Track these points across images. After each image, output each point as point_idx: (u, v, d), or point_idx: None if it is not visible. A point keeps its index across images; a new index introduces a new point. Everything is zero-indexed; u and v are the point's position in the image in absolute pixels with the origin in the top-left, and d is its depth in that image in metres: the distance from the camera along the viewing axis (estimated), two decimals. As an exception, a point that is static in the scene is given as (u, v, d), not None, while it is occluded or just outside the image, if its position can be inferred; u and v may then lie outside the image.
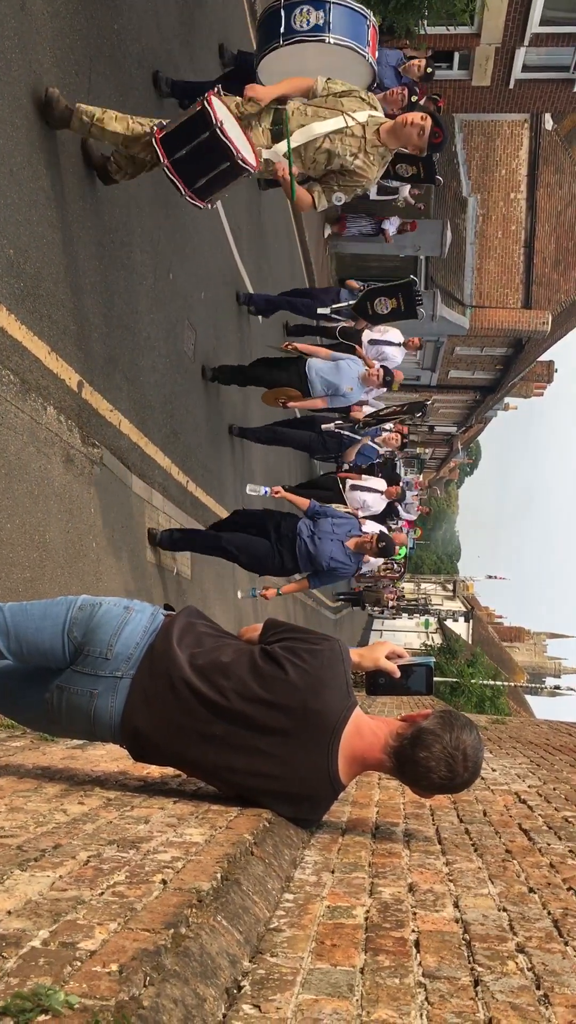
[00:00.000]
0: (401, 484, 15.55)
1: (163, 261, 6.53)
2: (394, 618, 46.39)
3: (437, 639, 41.63)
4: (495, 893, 2.09)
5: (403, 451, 13.99)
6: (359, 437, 11.45)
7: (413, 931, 1.80)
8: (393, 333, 11.25)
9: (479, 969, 1.60)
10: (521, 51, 15.13)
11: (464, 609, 52.78)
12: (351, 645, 2.78)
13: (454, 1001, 1.46)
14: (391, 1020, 1.38)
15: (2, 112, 4.01)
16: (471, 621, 49.68)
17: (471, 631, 47.70)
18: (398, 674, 2.75)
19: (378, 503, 12.28)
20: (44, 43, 4.43)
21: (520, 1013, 1.42)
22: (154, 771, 3.12)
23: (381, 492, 12.43)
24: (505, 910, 1.96)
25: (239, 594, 7.71)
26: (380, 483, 12.68)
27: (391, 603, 36.31)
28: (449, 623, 47.81)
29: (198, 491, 7.75)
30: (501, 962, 1.64)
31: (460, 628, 47.36)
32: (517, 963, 1.64)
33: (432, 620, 47.97)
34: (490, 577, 75.69)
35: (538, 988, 1.53)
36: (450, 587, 63.49)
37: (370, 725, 2.51)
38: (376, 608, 32.49)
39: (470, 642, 42.80)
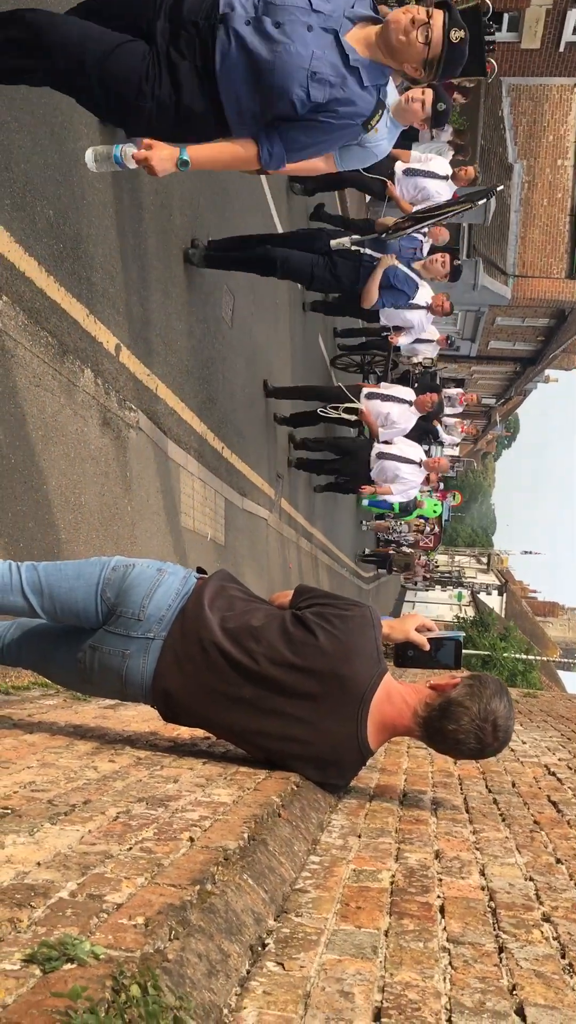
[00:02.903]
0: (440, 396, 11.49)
1: (202, 225, 6.48)
2: (427, 590, 46.30)
3: (470, 612, 41.52)
4: (522, 863, 2.08)
5: (451, 277, 8.50)
6: (379, 255, 7.01)
7: (438, 897, 1.80)
8: (437, 162, 8.21)
9: (504, 936, 1.60)
10: (573, 12, 14.75)
11: (498, 583, 52.56)
12: (382, 615, 2.77)
13: (478, 967, 1.46)
14: (414, 983, 1.38)
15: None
16: (504, 595, 49.48)
17: (504, 605, 47.53)
18: (427, 647, 2.74)
19: (405, 417, 9.52)
20: None
21: (544, 981, 1.42)
22: (184, 732, 3.15)
23: (409, 402, 9.55)
24: (532, 879, 1.95)
25: (88, 160, 3.12)
26: (406, 392, 9.73)
27: (424, 574, 36.05)
28: (482, 596, 47.66)
29: (233, 457, 7.75)
30: (526, 930, 1.64)
31: (493, 602, 47.20)
32: (542, 932, 1.64)
33: (465, 593, 47.83)
34: (526, 552, 75.25)
35: (563, 957, 1.53)
36: (484, 560, 63.21)
37: (400, 692, 2.51)
38: (406, 575, 31.85)
39: (503, 616, 42.67)
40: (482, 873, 1.98)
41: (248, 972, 1.36)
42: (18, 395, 3.86)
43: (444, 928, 1.63)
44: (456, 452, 25.17)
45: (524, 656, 26.42)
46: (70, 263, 4.31)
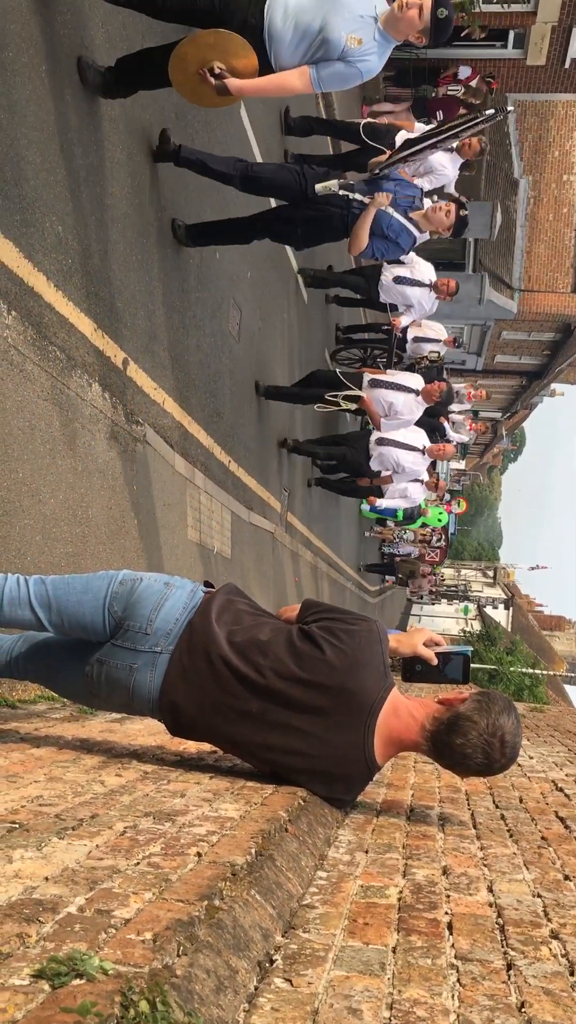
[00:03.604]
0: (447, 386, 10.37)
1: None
2: (433, 604, 46.17)
3: (476, 626, 41.34)
4: (530, 879, 2.07)
5: (455, 231, 7.07)
6: (366, 198, 5.68)
7: (446, 913, 1.79)
8: None
9: (512, 953, 1.59)
10: (578, 29, 14.83)
11: (504, 596, 52.37)
12: (389, 629, 2.77)
13: (486, 984, 1.45)
14: (422, 1000, 1.38)
15: (53, 86, 4.02)
16: (511, 609, 49.28)
17: (511, 619, 47.33)
18: (435, 661, 2.74)
19: (410, 407, 8.79)
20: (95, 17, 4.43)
21: (553, 998, 1.41)
22: (191, 746, 3.14)
23: (415, 392, 8.83)
24: (539, 896, 1.94)
25: None
26: (414, 379, 9.00)
27: (430, 588, 35.92)
28: (489, 610, 47.46)
29: (239, 471, 7.76)
30: (535, 947, 1.63)
31: (500, 615, 46.99)
32: (551, 949, 1.63)
33: (471, 606, 47.68)
34: (533, 568, 74.92)
35: (571, 974, 1.52)
36: (490, 574, 63.02)
37: (407, 706, 2.50)
38: (412, 588, 31.56)
39: (509, 630, 42.48)
40: (490, 889, 1.97)
41: (256, 988, 1.35)
42: (26, 409, 3.87)
43: (452, 945, 1.63)
44: (462, 465, 24.90)
45: (531, 670, 26.29)
46: (78, 278, 4.34)
